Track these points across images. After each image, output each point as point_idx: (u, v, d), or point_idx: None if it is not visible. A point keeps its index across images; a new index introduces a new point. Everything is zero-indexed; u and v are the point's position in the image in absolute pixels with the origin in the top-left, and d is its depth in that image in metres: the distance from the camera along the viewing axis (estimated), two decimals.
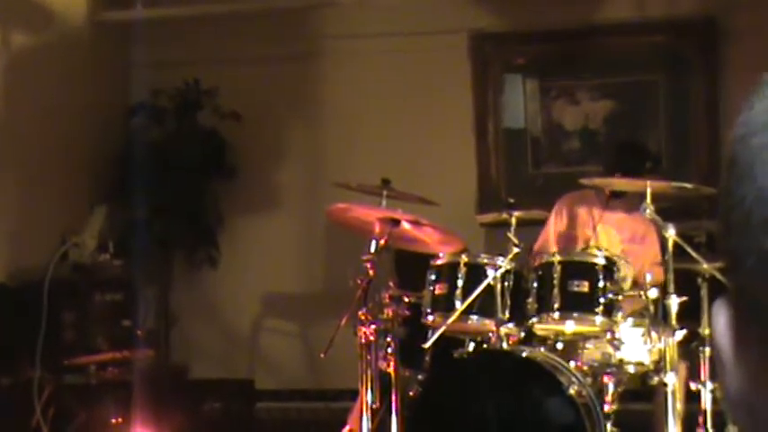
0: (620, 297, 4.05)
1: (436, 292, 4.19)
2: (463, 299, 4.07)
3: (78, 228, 5.71)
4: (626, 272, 4.22)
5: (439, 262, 4.27)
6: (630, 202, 4.64)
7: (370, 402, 4.15)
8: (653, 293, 4.06)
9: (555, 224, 4.86)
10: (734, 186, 0.62)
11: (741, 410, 0.65)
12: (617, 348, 4.10)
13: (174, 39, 6.97)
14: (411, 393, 4.20)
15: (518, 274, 4.18)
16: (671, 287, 3.95)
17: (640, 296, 4.13)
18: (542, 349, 4.13)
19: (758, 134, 0.61)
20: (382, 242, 4.19)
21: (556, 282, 4.03)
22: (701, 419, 4.23)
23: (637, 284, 4.33)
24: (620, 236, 4.74)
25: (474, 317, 4.11)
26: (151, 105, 6.80)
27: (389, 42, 6.81)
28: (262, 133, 7.03)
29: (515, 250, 4.14)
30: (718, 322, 0.65)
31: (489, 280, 4.05)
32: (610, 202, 4.72)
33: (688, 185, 4.20)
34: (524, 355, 4.00)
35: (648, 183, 4.03)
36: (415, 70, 6.84)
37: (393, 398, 4.17)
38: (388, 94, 6.87)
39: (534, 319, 4.09)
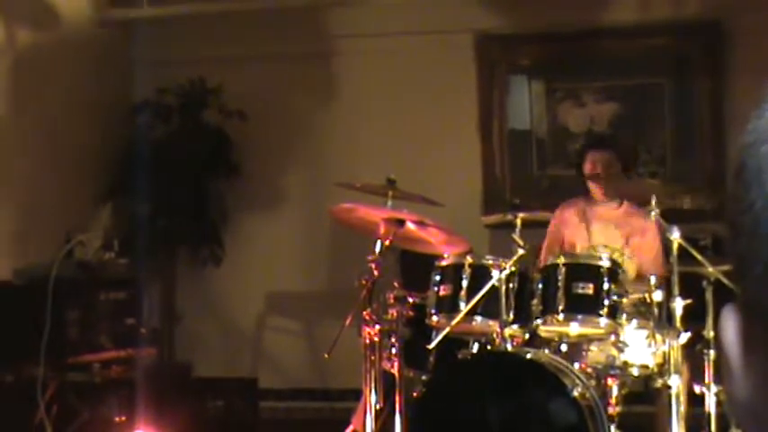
0: (624, 300, 4.05)
1: (441, 292, 4.19)
2: (468, 300, 4.07)
3: (83, 226, 5.73)
4: (627, 266, 4.27)
5: (444, 263, 4.27)
6: (619, 198, 4.78)
7: (373, 402, 4.15)
8: (658, 296, 4.06)
9: (549, 237, 4.91)
10: (742, 192, 0.62)
11: (748, 417, 0.65)
12: (621, 351, 4.09)
13: (180, 37, 6.98)
14: (415, 394, 4.20)
15: (523, 276, 4.18)
16: (676, 290, 3.95)
17: (645, 299, 4.13)
18: (546, 351, 4.13)
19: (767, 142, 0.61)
20: (387, 242, 4.19)
21: (560, 284, 4.03)
22: (704, 423, 4.22)
23: (639, 278, 4.38)
24: (619, 231, 4.77)
25: (478, 318, 4.10)
26: (156, 103, 6.81)
27: (395, 42, 6.82)
28: (266, 132, 7.03)
29: (520, 252, 4.14)
30: (727, 329, 0.65)
31: (494, 281, 4.05)
32: (596, 195, 4.79)
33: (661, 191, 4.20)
34: (528, 356, 4.00)
35: (648, 182, 4.04)
36: (420, 71, 6.84)
37: (397, 398, 4.17)
38: (393, 95, 6.88)
39: (539, 321, 4.09)
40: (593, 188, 4.80)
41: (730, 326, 0.65)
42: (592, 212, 4.84)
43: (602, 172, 4.74)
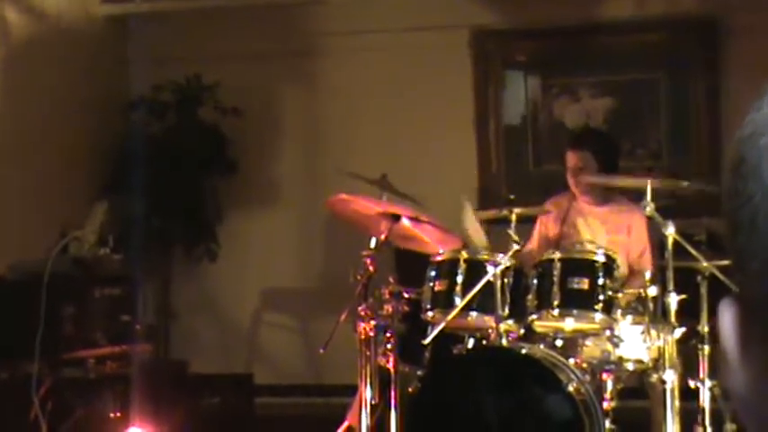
0: (619, 294, 4.05)
1: (436, 288, 4.19)
2: (463, 295, 4.06)
3: (78, 222, 5.70)
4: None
5: (439, 258, 4.27)
6: (602, 194, 4.80)
7: (369, 398, 4.15)
8: (652, 291, 4.06)
9: (538, 230, 4.93)
10: (740, 186, 0.62)
11: (746, 410, 0.65)
12: (616, 346, 4.10)
13: (175, 34, 6.97)
14: (410, 389, 4.20)
15: (518, 271, 4.18)
16: (670, 285, 3.95)
17: (640, 294, 4.14)
18: (542, 346, 4.13)
19: (766, 134, 0.61)
20: (382, 238, 4.19)
21: (556, 279, 4.03)
22: (699, 417, 4.23)
23: (628, 274, 4.41)
24: (603, 227, 4.79)
25: (474, 313, 4.10)
26: (152, 100, 6.80)
27: (390, 38, 6.81)
28: (262, 129, 7.03)
29: (515, 247, 4.14)
30: (724, 322, 0.65)
31: (489, 276, 4.05)
32: (580, 190, 4.79)
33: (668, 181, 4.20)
34: (524, 351, 4.00)
35: (650, 180, 4.04)
36: (416, 67, 6.84)
37: (392, 394, 4.17)
38: (388, 91, 6.87)
39: (534, 316, 4.09)
40: (572, 184, 4.83)
41: (727, 319, 0.65)
42: (577, 208, 4.86)
43: (575, 171, 4.78)
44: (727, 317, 0.65)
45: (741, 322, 0.64)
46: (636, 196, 4.39)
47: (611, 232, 4.77)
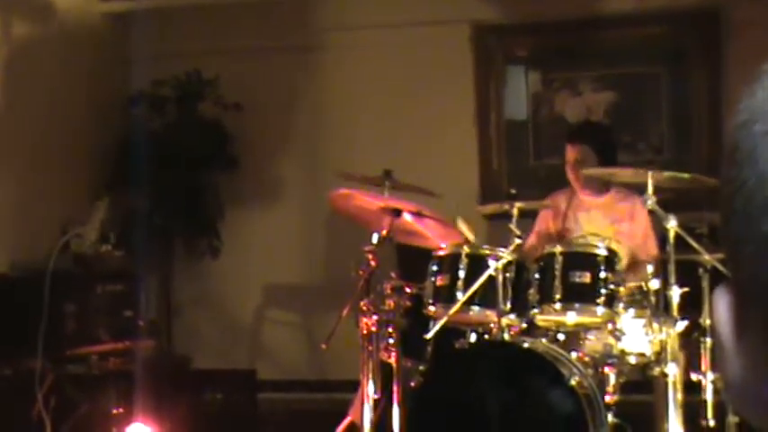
0: (621, 288, 4.05)
1: (438, 283, 4.19)
2: (465, 290, 4.06)
3: (80, 218, 5.72)
4: (621, 253, 4.30)
5: (441, 253, 4.27)
6: (601, 185, 4.85)
7: (371, 393, 4.15)
8: (654, 284, 4.06)
9: (539, 226, 4.95)
10: (735, 172, 0.62)
11: (742, 398, 0.65)
12: (618, 339, 4.10)
13: (176, 29, 6.97)
14: (412, 384, 4.20)
15: (520, 265, 4.18)
16: (672, 278, 3.95)
17: (641, 287, 4.14)
18: (544, 340, 4.13)
19: (760, 121, 0.61)
20: (384, 233, 4.19)
21: (557, 273, 4.03)
22: (702, 410, 4.23)
23: (632, 265, 4.40)
24: (607, 219, 4.80)
25: (476, 308, 4.10)
26: (152, 96, 6.80)
27: (391, 33, 6.80)
28: (263, 124, 7.02)
29: (517, 241, 4.14)
30: (719, 309, 0.65)
31: (491, 271, 4.05)
32: (580, 183, 4.83)
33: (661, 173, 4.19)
34: (526, 345, 4.00)
35: (650, 173, 4.04)
36: (417, 62, 6.83)
37: (394, 389, 4.17)
38: (390, 86, 6.87)
39: (536, 310, 4.09)
40: (572, 178, 4.86)
41: (722, 305, 0.65)
42: (577, 201, 4.88)
43: (575, 165, 4.81)
44: (722, 305, 0.65)
45: (736, 309, 0.64)
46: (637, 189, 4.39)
47: (615, 222, 4.80)
